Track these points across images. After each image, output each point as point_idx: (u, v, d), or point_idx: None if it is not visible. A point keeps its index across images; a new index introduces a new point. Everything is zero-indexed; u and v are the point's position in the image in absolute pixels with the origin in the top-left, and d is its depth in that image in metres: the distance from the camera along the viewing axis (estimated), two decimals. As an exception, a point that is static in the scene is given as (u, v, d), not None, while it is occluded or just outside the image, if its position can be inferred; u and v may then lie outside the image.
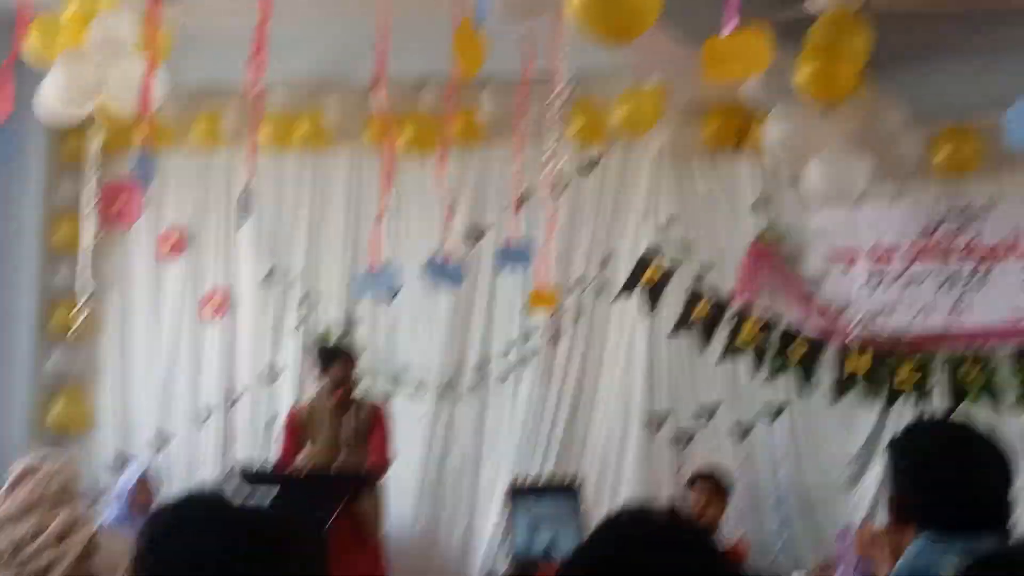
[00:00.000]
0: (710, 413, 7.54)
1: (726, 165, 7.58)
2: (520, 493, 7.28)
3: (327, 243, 8.31)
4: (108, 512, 7.50)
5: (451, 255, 6.83)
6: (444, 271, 6.48)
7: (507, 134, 7.35)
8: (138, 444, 8.60)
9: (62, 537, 3.91)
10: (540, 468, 7.73)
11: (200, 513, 2.11)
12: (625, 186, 7.78)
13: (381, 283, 6.77)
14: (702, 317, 7.53)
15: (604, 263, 7.79)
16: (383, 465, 7.02)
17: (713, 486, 6.93)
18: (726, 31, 4.04)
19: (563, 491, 7.32)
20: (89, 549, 3.94)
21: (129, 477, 7.69)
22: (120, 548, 4.04)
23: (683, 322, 7.59)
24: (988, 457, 2.84)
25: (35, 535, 3.90)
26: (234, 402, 8.44)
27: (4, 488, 4.04)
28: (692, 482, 7.00)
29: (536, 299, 7.07)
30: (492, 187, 7.90)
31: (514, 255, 6.85)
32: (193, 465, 8.43)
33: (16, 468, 4.08)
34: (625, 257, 7.74)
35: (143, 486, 7.58)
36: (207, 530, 2.05)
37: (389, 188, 6.44)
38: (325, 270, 8.30)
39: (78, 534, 3.94)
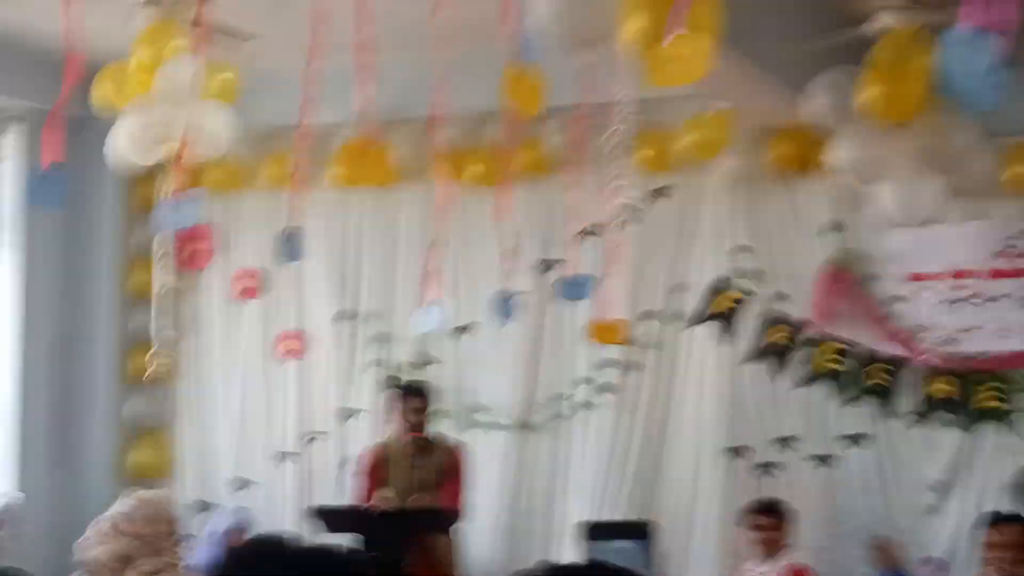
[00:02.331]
0: (788, 442, 7.43)
1: (796, 188, 7.51)
2: (593, 533, 7.21)
3: (398, 280, 8.32)
4: (198, 555, 7.55)
5: (515, 289, 6.78)
6: (507, 306, 6.46)
7: (575, 165, 7.33)
8: (217, 488, 8.66)
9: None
10: (616, 502, 7.66)
11: (265, 553, 2.11)
12: (694, 213, 7.73)
13: (436, 319, 6.75)
14: (777, 344, 7.44)
15: (676, 292, 7.72)
16: (458, 513, 6.96)
17: (772, 512, 6.80)
18: (667, 39, 4.06)
19: (636, 531, 7.25)
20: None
21: (223, 521, 7.76)
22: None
23: (758, 350, 7.50)
24: None
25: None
26: (311, 442, 8.47)
27: (101, 533, 4.01)
28: (749, 513, 6.87)
29: (597, 332, 6.99)
30: (560, 219, 7.86)
31: (573, 288, 6.80)
32: (273, 508, 8.47)
33: (112, 513, 4.04)
34: (697, 286, 7.68)
35: (238, 530, 7.65)
36: (272, 570, 2.05)
37: (446, 223, 6.43)
38: (398, 307, 8.31)
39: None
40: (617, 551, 6.98)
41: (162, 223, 5.36)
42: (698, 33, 4.14)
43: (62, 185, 4.73)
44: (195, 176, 8.00)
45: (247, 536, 7.69)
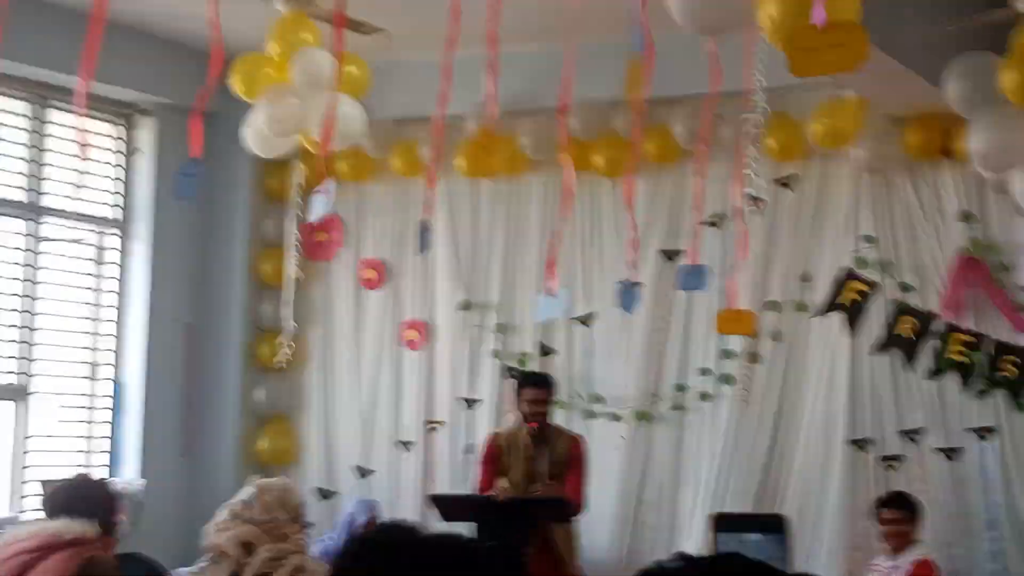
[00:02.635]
0: (917, 434, 7.33)
1: (929, 176, 7.41)
2: (725, 524, 7.17)
3: (522, 270, 8.36)
4: (326, 543, 7.65)
5: (639, 279, 6.75)
6: (628, 294, 6.44)
7: (702, 153, 7.30)
8: (341, 475, 8.78)
9: (265, 574, 3.92)
10: (738, 495, 7.61)
11: (391, 540, 2.11)
12: (824, 202, 7.65)
13: (556, 308, 6.75)
14: (906, 334, 7.34)
15: (804, 281, 7.65)
16: (577, 506, 6.95)
17: (899, 506, 6.70)
18: (816, 21, 3.88)
19: (770, 524, 7.19)
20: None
21: (357, 513, 7.85)
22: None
23: (887, 341, 7.40)
24: None
25: (236, 573, 3.92)
26: (434, 431, 8.54)
27: (225, 519, 4.07)
28: (879, 506, 6.79)
29: (725, 322, 6.96)
30: (688, 207, 7.82)
31: (692, 278, 6.76)
32: (393, 496, 8.56)
33: (237, 499, 4.10)
34: (825, 275, 7.60)
35: (372, 523, 7.73)
36: (397, 557, 2.05)
37: (568, 211, 6.44)
38: (521, 297, 8.34)
39: (281, 568, 3.95)
40: (750, 544, 6.93)
41: (312, 212, 5.43)
42: (851, 22, 4.04)
43: (199, 178, 4.82)
44: (326, 167, 8.18)
45: (377, 525, 7.76)
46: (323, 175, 4.90)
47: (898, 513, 6.64)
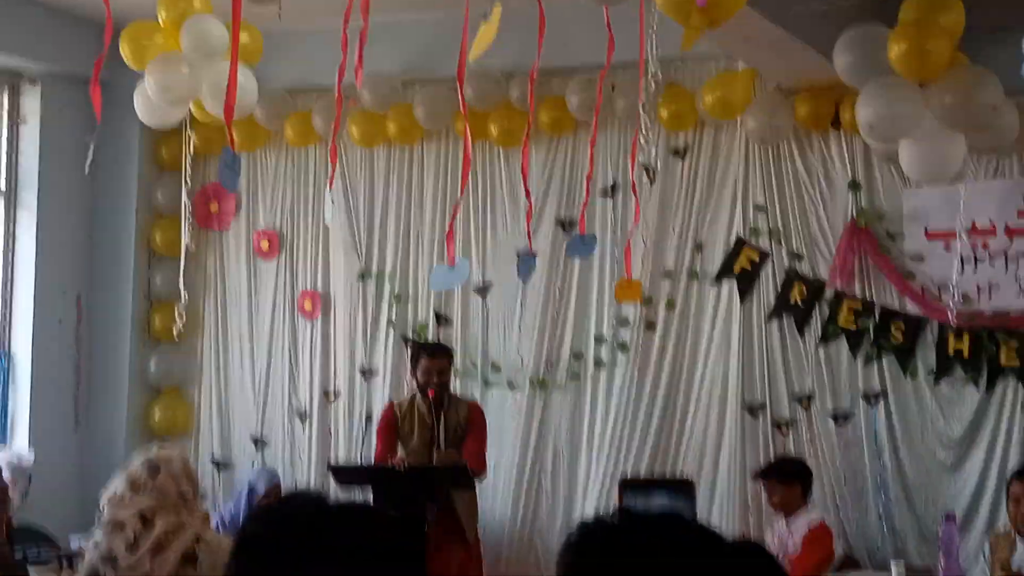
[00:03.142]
0: (808, 400, 7.47)
1: (817, 146, 7.52)
2: (632, 488, 7.24)
3: (418, 240, 8.35)
4: (225, 513, 7.60)
5: (534, 247, 6.78)
6: (525, 264, 6.47)
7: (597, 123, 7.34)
8: (237, 446, 8.72)
9: (160, 547, 3.89)
10: (636, 459, 7.70)
11: (299, 510, 2.11)
12: (717, 171, 7.74)
13: (456, 276, 6.76)
14: (797, 302, 7.47)
15: (697, 250, 7.74)
16: (480, 471, 6.98)
17: (779, 475, 6.83)
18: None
19: (676, 487, 7.28)
20: (188, 557, 3.91)
21: (257, 483, 7.78)
22: (225, 550, 4.02)
23: (779, 308, 7.53)
24: None
25: (133, 546, 3.88)
26: (331, 401, 8.51)
27: (120, 493, 4.01)
28: (761, 475, 6.92)
29: (621, 290, 7.03)
30: (583, 177, 7.86)
31: (579, 246, 6.82)
32: (291, 466, 8.52)
33: (134, 469, 4.05)
34: (718, 244, 7.69)
35: (273, 493, 7.67)
36: (306, 527, 2.05)
37: (466, 181, 6.43)
38: (417, 266, 8.33)
39: (176, 544, 3.92)
40: (657, 506, 7.01)
41: (221, 180, 5.35)
42: None
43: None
44: (218, 135, 8.09)
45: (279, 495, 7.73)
46: (232, 144, 4.82)
47: (782, 481, 6.77)
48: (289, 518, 2.09)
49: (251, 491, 7.71)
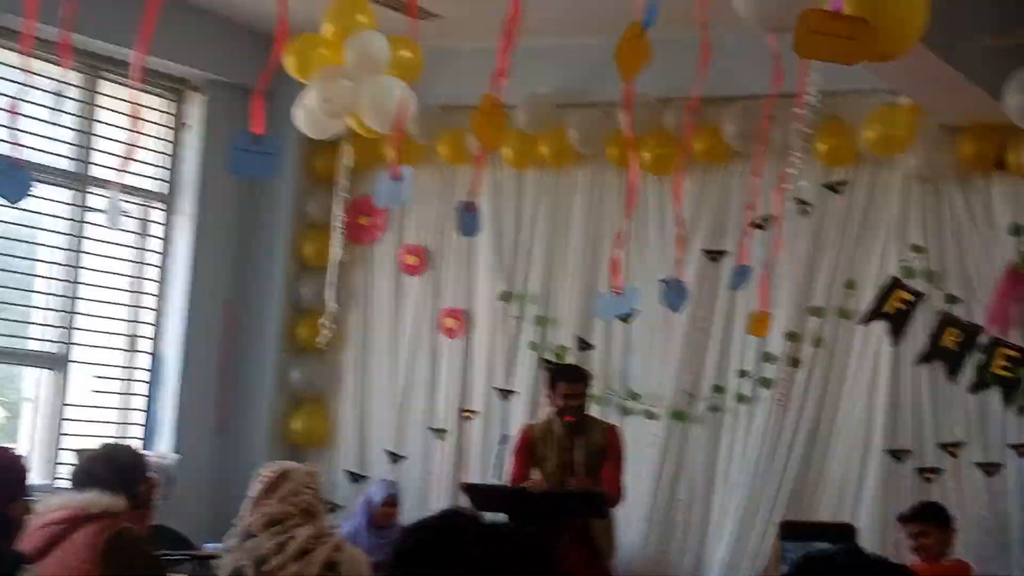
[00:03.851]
0: (956, 447, 7.25)
1: (980, 188, 7.32)
2: (793, 532, 7.06)
3: (564, 263, 8.33)
4: (347, 526, 7.65)
5: (684, 276, 6.70)
6: (676, 292, 6.37)
7: (753, 154, 7.25)
8: (373, 459, 8.77)
9: (304, 553, 3.93)
10: (774, 498, 7.56)
11: (455, 529, 2.12)
12: (873, 209, 7.58)
13: (623, 305, 6.69)
14: (950, 347, 7.26)
15: (848, 288, 7.59)
16: (616, 497, 6.91)
17: (939, 519, 6.60)
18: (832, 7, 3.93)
19: (838, 532, 7.09)
20: (331, 565, 3.96)
21: (374, 493, 7.84)
22: (362, 562, 4.06)
23: (930, 352, 7.33)
24: None
25: (278, 550, 3.94)
26: (467, 420, 8.53)
27: (252, 499, 4.09)
28: (906, 519, 6.69)
29: (753, 324, 6.89)
30: (734, 207, 7.77)
31: (736, 277, 6.70)
32: (426, 483, 8.55)
33: (263, 478, 4.13)
34: (871, 283, 7.53)
35: (389, 503, 7.73)
36: (461, 546, 2.07)
37: (632, 208, 6.40)
38: (561, 290, 8.31)
39: (320, 550, 3.96)
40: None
41: (378, 197, 5.41)
42: (863, 19, 4.01)
43: (274, 155, 4.78)
44: (373, 150, 8.18)
45: (397, 512, 7.78)
46: (395, 160, 4.86)
47: (925, 525, 6.54)
48: (443, 537, 2.10)
49: (368, 501, 7.77)
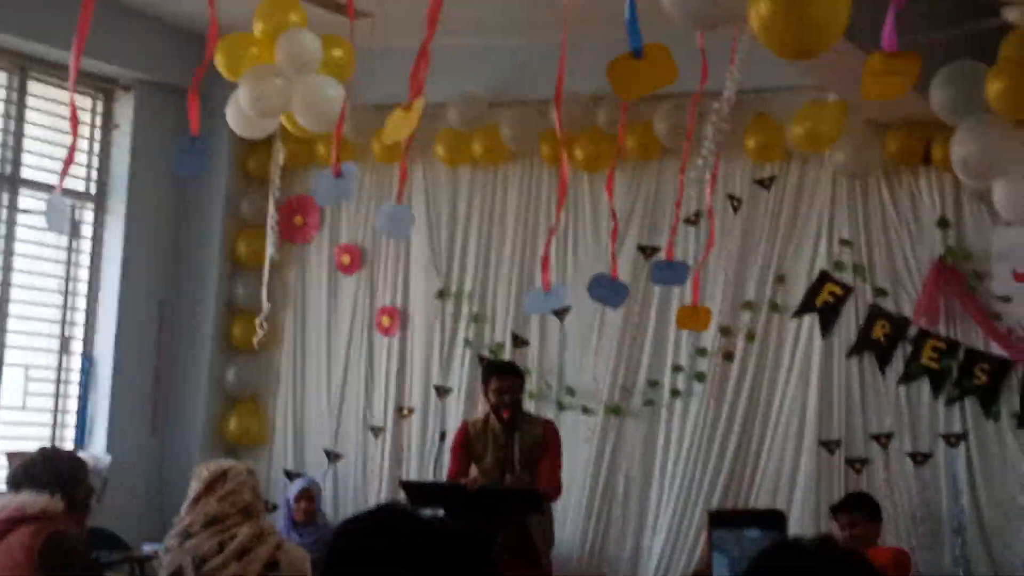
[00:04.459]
0: (886, 438, 7.36)
1: (907, 182, 7.43)
2: (722, 519, 7.11)
3: (499, 260, 8.36)
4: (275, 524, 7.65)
5: (616, 273, 6.74)
6: (609, 289, 6.39)
7: (684, 151, 7.31)
8: (310, 458, 8.76)
9: (245, 552, 3.93)
10: (708, 490, 7.64)
11: (390, 523, 2.14)
12: (802, 204, 7.67)
13: (552, 302, 6.71)
14: (880, 339, 7.37)
15: (779, 282, 7.67)
16: (555, 491, 6.95)
17: (868, 510, 6.70)
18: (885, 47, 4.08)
19: (767, 519, 7.14)
20: (272, 564, 3.96)
21: (290, 490, 7.87)
22: (302, 560, 4.07)
23: (860, 344, 7.43)
24: None
25: (219, 550, 3.94)
26: (404, 418, 8.53)
27: (190, 499, 4.09)
28: (844, 507, 6.78)
29: (684, 318, 6.95)
30: (667, 204, 7.83)
31: (667, 273, 6.73)
32: (364, 481, 8.55)
33: (201, 478, 4.12)
34: (801, 277, 7.62)
35: (303, 497, 7.74)
36: (396, 539, 2.09)
37: (563, 205, 6.44)
38: (497, 287, 8.35)
39: (260, 549, 3.96)
40: (748, 540, 6.89)
41: (318, 195, 5.40)
42: (913, 53, 4.17)
43: (204, 154, 4.80)
44: (306, 149, 8.17)
45: (316, 507, 7.81)
46: (334, 158, 4.85)
47: (855, 516, 6.64)
48: (379, 531, 2.11)
49: (286, 500, 7.82)
